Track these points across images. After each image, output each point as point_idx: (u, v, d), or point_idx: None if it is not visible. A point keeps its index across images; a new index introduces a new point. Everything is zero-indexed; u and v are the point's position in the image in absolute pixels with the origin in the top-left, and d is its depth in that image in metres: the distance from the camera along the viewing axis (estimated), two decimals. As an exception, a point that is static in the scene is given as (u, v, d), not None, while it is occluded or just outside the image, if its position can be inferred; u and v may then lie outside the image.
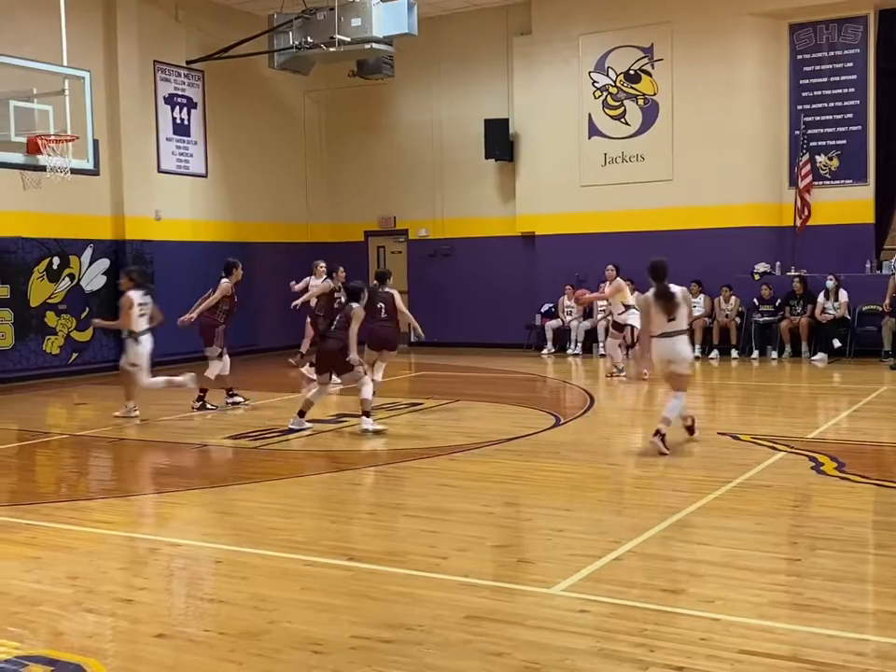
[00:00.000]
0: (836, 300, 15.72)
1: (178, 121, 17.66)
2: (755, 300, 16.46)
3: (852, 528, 6.02)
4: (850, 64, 16.37)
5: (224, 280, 11.75)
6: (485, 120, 18.37)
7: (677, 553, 5.54)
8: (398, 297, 12.17)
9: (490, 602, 4.83)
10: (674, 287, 8.51)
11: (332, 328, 9.90)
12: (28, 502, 7.32)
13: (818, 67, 16.60)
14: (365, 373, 9.93)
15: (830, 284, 15.71)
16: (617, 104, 17.83)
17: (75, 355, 15.88)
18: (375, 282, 12.42)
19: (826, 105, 16.59)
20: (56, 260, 15.56)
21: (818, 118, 16.65)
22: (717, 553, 5.54)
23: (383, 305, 11.86)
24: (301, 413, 9.98)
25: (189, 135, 17.85)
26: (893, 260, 14.90)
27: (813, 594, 4.82)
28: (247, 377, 14.25)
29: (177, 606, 5.09)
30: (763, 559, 5.45)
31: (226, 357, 11.78)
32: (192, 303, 12.09)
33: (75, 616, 4.82)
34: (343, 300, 13.79)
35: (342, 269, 14.20)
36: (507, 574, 5.37)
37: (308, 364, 13.74)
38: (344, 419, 10.74)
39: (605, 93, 17.91)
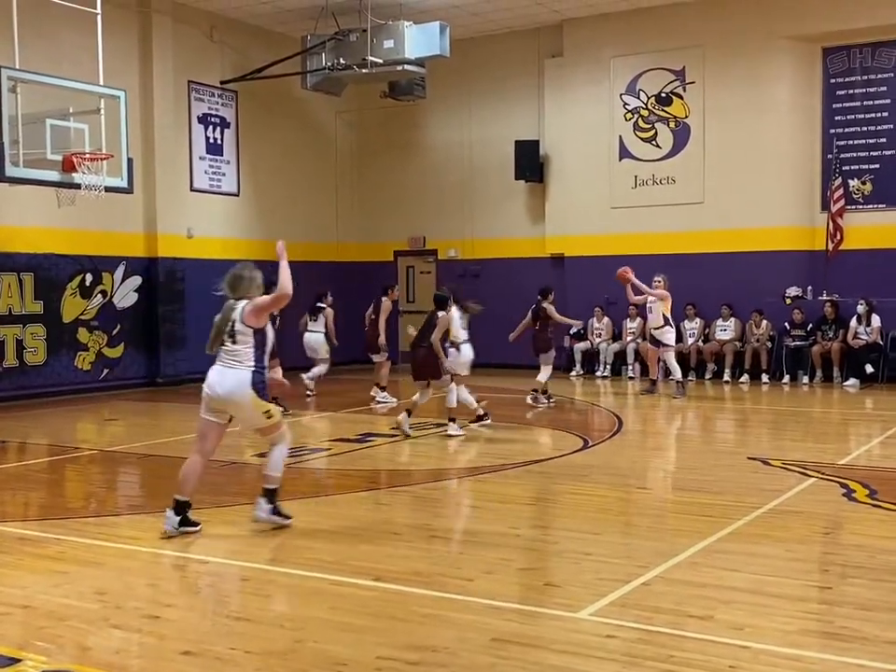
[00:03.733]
0: (868, 325, 15.58)
1: (211, 141, 17.83)
2: (786, 324, 16.34)
3: (884, 556, 5.93)
4: (884, 89, 16.29)
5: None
6: (516, 142, 18.42)
7: (705, 579, 5.48)
8: (551, 309, 13.59)
9: (516, 625, 4.80)
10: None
11: (423, 336, 10.72)
12: (57, 517, 7.37)
13: (851, 91, 16.52)
14: (451, 381, 10.76)
15: (861, 308, 15.58)
16: (648, 126, 17.83)
17: (105, 371, 16.00)
18: (539, 297, 13.75)
19: (859, 129, 16.51)
20: (89, 277, 15.72)
21: (850, 142, 16.57)
22: (746, 579, 5.48)
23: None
24: (409, 413, 10.71)
25: (221, 155, 18.02)
26: (926, 286, 14.78)
27: (844, 622, 4.76)
28: (275, 395, 14.27)
29: (204, 623, 5.09)
30: (793, 586, 5.39)
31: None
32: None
33: (102, 632, 4.83)
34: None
35: (397, 287, 15.14)
36: (533, 597, 5.33)
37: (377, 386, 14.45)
38: (371, 438, 10.74)
39: (636, 116, 17.92)
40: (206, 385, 6.59)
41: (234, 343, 6.52)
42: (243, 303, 6.60)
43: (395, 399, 14.07)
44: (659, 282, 14.36)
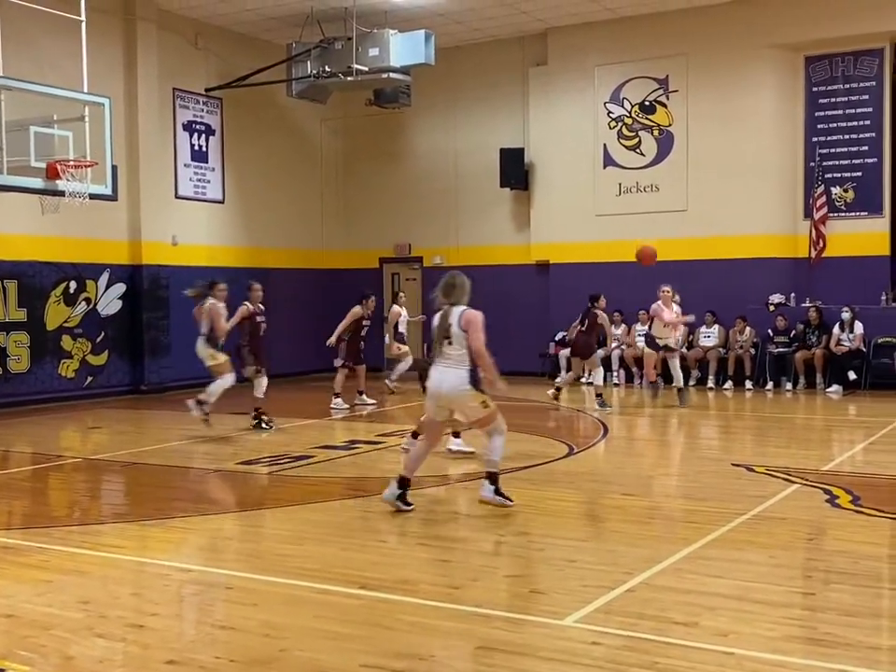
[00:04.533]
0: (852, 331, 15.66)
1: (196, 148, 17.81)
2: (770, 331, 16.42)
3: (867, 562, 5.97)
4: (866, 97, 16.41)
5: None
6: (501, 149, 18.46)
7: (690, 586, 5.50)
8: (603, 316, 14.02)
9: (502, 633, 4.80)
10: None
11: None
12: (41, 526, 7.33)
13: (833, 100, 16.64)
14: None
15: (846, 315, 15.67)
16: (632, 134, 17.90)
17: (89, 378, 15.94)
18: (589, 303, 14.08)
19: (842, 137, 16.62)
20: (73, 285, 15.67)
21: (833, 150, 16.68)
22: (730, 585, 5.50)
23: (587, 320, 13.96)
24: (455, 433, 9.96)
25: (206, 162, 17.99)
26: (909, 293, 14.88)
27: (827, 628, 4.78)
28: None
29: (188, 632, 5.07)
30: (777, 592, 5.41)
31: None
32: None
33: (85, 641, 4.81)
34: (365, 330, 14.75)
35: (373, 297, 14.92)
36: (519, 604, 5.34)
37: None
38: (357, 446, 10.73)
39: (620, 124, 17.99)
40: (430, 384, 7.30)
41: (451, 344, 7.15)
42: (459, 309, 7.21)
43: (347, 406, 14.17)
44: (667, 291, 14.17)
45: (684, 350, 16.94)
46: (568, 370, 17.77)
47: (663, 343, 14.23)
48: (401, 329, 15.94)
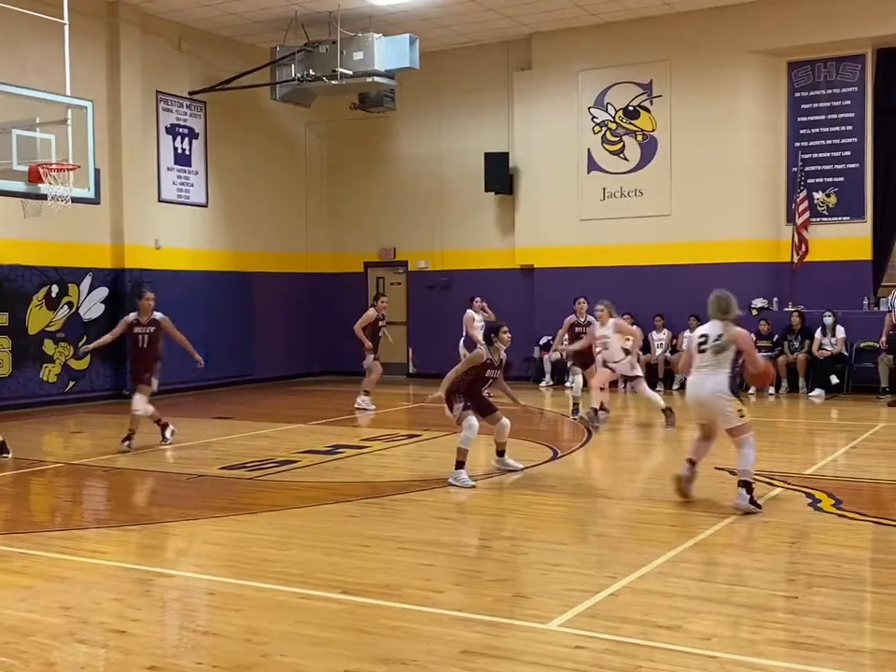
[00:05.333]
0: (834, 336, 15.74)
1: (180, 151, 17.75)
2: (752, 335, 16.45)
3: (850, 566, 5.99)
4: (848, 102, 16.51)
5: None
6: (485, 154, 18.48)
7: (673, 589, 5.51)
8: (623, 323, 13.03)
9: (485, 637, 4.80)
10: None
11: None
12: (22, 531, 7.28)
13: (816, 105, 16.73)
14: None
15: (828, 320, 15.74)
16: (616, 139, 17.95)
17: (72, 383, 15.86)
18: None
19: (824, 142, 16.71)
20: (55, 288, 15.58)
21: (815, 155, 16.77)
22: (714, 589, 5.51)
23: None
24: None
25: (190, 165, 17.93)
26: (890, 297, 14.92)
27: (810, 632, 4.80)
28: (245, 407, 14.23)
29: (170, 638, 5.05)
30: (760, 596, 5.42)
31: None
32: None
33: (67, 647, 4.78)
34: (385, 330, 14.81)
35: (385, 298, 15.00)
36: (502, 609, 5.33)
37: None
38: (341, 450, 10.71)
39: (604, 129, 18.03)
40: (688, 390, 7.85)
41: (716, 354, 7.62)
42: (735, 328, 7.82)
43: (374, 407, 14.23)
44: (602, 310, 12.60)
45: (668, 354, 16.99)
46: (551, 374, 17.85)
47: (618, 369, 12.76)
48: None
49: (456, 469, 8.70)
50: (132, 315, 11.17)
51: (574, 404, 13.28)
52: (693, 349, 7.87)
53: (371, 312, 14.71)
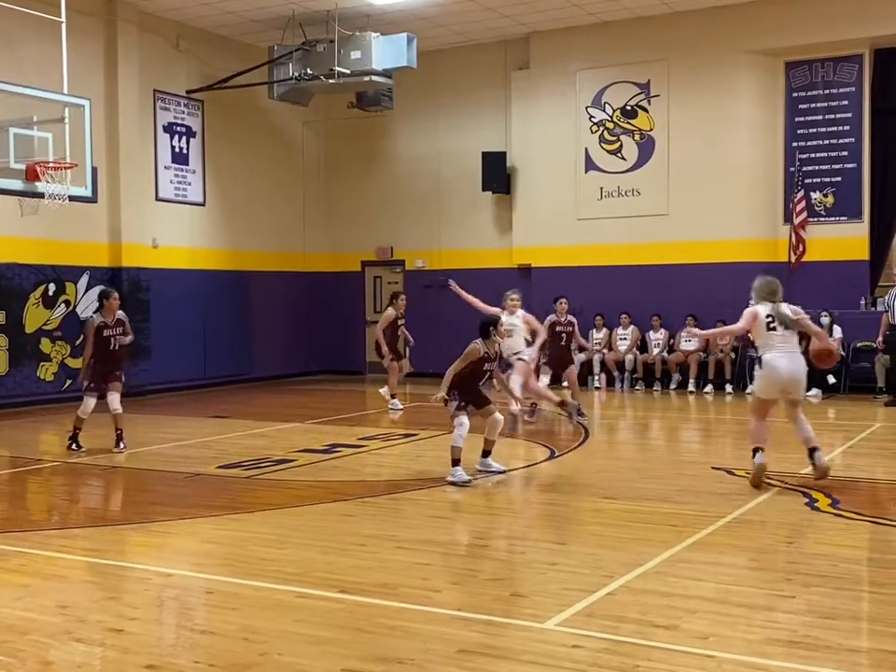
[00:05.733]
0: (830, 335, 15.73)
1: (177, 150, 17.74)
2: (750, 335, 16.44)
3: (847, 565, 6.00)
4: (845, 102, 16.52)
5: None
6: (483, 153, 18.48)
7: (671, 589, 5.51)
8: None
9: (482, 636, 4.80)
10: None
11: None
12: (19, 529, 7.27)
13: (813, 105, 16.74)
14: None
15: (825, 320, 15.74)
16: (613, 139, 17.96)
17: (69, 382, 15.83)
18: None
19: (821, 142, 16.72)
20: (52, 287, 15.57)
21: (813, 155, 16.78)
22: (711, 588, 5.51)
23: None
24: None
25: (187, 164, 17.92)
26: (887, 297, 14.93)
27: (807, 631, 4.80)
28: (242, 406, 14.23)
29: (168, 637, 5.05)
30: (757, 595, 5.43)
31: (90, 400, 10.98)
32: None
33: (64, 645, 4.78)
34: (404, 329, 14.59)
35: (403, 296, 14.83)
36: (500, 608, 5.33)
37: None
38: (338, 449, 10.71)
39: (601, 128, 18.04)
40: (774, 369, 8.44)
41: (788, 330, 8.48)
42: (787, 305, 8.66)
43: (402, 407, 14.25)
44: (514, 299, 12.36)
45: (665, 354, 17.00)
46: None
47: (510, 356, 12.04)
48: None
49: (453, 467, 8.70)
50: (97, 319, 10.83)
51: (533, 405, 12.97)
52: (763, 328, 8.53)
53: (390, 311, 14.58)
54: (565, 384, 13.70)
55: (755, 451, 8.45)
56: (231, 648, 4.69)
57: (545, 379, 12.89)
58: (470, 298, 12.95)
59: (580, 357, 17.43)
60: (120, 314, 10.93)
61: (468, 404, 8.84)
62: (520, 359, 12.06)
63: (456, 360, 8.92)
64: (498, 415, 9.02)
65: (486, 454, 9.18)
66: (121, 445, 10.84)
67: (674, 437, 12.53)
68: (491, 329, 8.93)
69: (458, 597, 5.42)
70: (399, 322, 14.68)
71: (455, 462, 8.69)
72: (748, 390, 16.02)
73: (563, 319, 13.14)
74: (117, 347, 10.83)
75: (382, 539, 6.93)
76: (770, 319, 8.48)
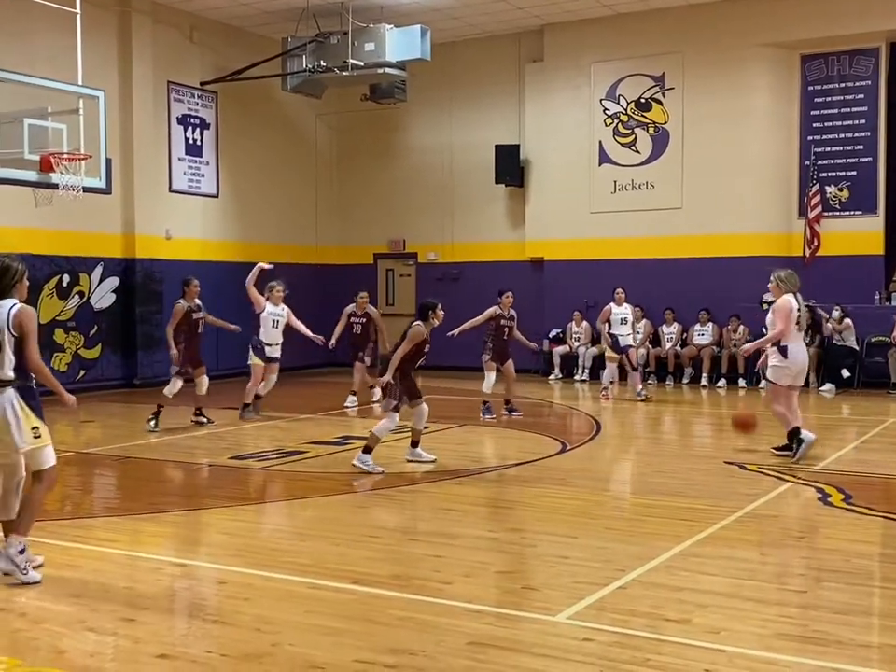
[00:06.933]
0: (840, 325, 15.70)
1: (191, 142, 17.76)
2: (763, 329, 16.37)
3: (859, 561, 5.98)
4: (861, 96, 16.42)
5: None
6: (496, 146, 18.44)
7: (682, 583, 5.51)
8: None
9: (494, 629, 4.81)
10: None
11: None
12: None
13: (829, 98, 16.64)
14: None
15: (836, 313, 15.70)
16: (627, 131, 17.90)
17: (82, 372, 15.91)
18: None
19: (837, 136, 16.63)
20: (66, 278, 15.62)
21: (828, 148, 16.69)
22: (722, 583, 5.51)
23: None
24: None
25: (201, 156, 17.95)
26: (903, 292, 14.90)
27: (819, 626, 4.79)
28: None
29: (180, 626, 5.07)
30: (768, 590, 5.42)
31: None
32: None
33: (77, 634, 4.80)
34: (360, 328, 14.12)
35: (364, 293, 14.41)
36: (511, 601, 5.34)
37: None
38: (349, 441, 10.73)
39: (615, 121, 17.99)
40: (799, 358, 9.26)
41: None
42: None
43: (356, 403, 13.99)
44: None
45: (678, 348, 16.95)
46: (560, 367, 17.82)
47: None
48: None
49: (364, 452, 8.88)
50: (184, 304, 11.82)
51: (484, 402, 12.67)
52: (794, 320, 9.11)
53: (350, 308, 14.17)
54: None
55: (795, 432, 9.15)
56: (244, 638, 4.71)
57: (491, 376, 12.72)
58: (467, 324, 13.02)
59: (592, 351, 17.41)
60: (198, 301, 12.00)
61: (402, 400, 9.00)
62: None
63: (402, 344, 9.00)
64: (425, 407, 9.25)
65: (415, 444, 9.38)
66: (205, 420, 12.01)
67: (686, 431, 12.51)
68: (430, 312, 9.07)
69: (470, 590, 5.43)
70: (354, 320, 14.14)
71: (368, 450, 8.88)
72: (761, 385, 16.00)
73: (507, 313, 13.02)
74: (201, 330, 11.90)
75: (393, 530, 6.95)
76: (800, 313, 9.20)
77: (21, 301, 5.80)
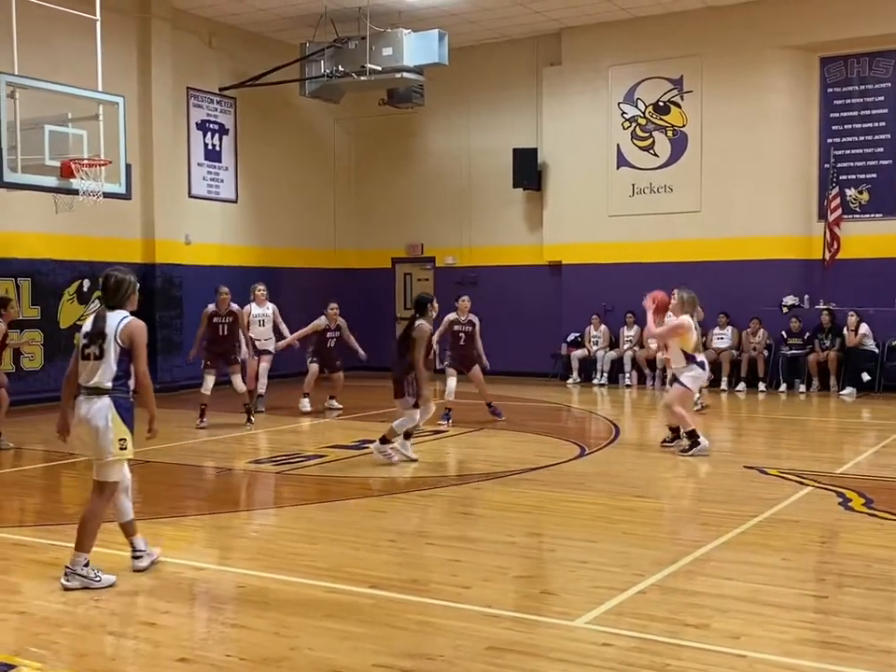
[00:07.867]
0: (856, 335, 15.60)
1: (210, 147, 17.85)
2: (783, 332, 16.36)
3: (880, 566, 5.94)
4: (881, 98, 16.33)
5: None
6: (514, 150, 18.44)
7: (701, 588, 5.48)
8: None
9: (512, 633, 4.80)
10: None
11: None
12: (53, 523, 7.36)
13: (848, 101, 16.56)
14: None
15: (852, 319, 15.60)
16: (646, 135, 17.86)
17: (102, 377, 15.95)
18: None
19: (856, 138, 16.54)
20: (86, 283, 15.71)
21: (848, 151, 16.60)
22: (742, 588, 5.48)
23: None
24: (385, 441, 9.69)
25: (220, 161, 18.03)
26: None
27: (840, 632, 4.76)
28: (272, 402, 14.28)
29: (199, 630, 5.08)
30: (789, 595, 5.39)
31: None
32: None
33: (97, 638, 4.83)
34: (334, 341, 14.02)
35: (333, 305, 14.05)
36: (530, 605, 5.33)
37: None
38: (367, 445, 10.73)
39: (634, 124, 17.96)
40: (706, 370, 10.19)
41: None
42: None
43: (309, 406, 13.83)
44: (262, 290, 13.95)
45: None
46: (578, 371, 17.78)
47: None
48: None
49: (382, 443, 9.43)
50: (210, 308, 12.45)
51: (447, 409, 12.43)
52: (693, 339, 9.95)
53: (321, 321, 13.95)
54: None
55: (694, 433, 9.96)
56: (262, 642, 4.72)
57: (452, 381, 12.53)
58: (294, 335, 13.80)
59: (610, 355, 17.39)
60: (234, 307, 12.55)
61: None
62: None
63: (414, 349, 9.23)
64: (432, 406, 9.70)
65: (408, 435, 9.64)
66: (251, 420, 12.19)
67: (706, 435, 12.44)
68: (428, 305, 9.44)
69: (488, 594, 5.42)
70: (329, 335, 13.95)
71: (385, 440, 9.42)
72: (780, 389, 15.92)
73: (463, 318, 12.84)
74: (225, 333, 12.33)
75: (412, 535, 6.95)
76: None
77: (131, 313, 5.87)
